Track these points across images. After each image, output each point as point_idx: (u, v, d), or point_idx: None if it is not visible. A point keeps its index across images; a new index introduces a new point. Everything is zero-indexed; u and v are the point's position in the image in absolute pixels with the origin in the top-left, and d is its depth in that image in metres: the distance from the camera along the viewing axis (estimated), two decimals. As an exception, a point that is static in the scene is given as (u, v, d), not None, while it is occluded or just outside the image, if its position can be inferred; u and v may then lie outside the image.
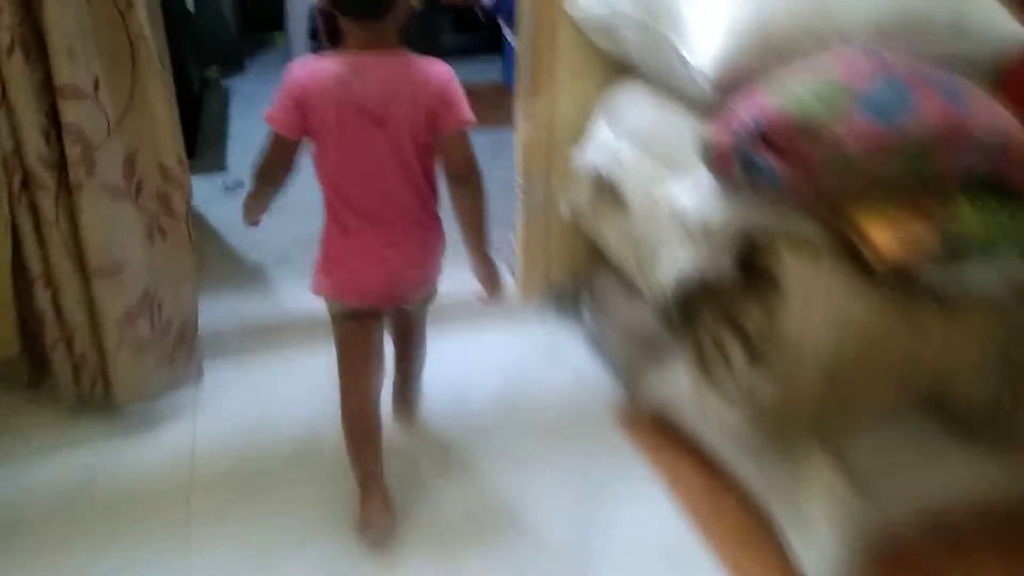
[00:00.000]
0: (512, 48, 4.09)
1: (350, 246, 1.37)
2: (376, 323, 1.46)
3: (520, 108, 2.05)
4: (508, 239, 2.38)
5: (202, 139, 3.47)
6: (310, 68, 1.28)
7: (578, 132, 1.99)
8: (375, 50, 1.26)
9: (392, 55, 1.27)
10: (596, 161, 1.90)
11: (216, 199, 2.92)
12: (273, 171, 1.37)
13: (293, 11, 4.39)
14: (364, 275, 1.39)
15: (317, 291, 1.43)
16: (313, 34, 4.62)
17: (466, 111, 1.30)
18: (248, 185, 1.45)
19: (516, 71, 2.04)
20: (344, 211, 1.35)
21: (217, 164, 3.24)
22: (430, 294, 1.54)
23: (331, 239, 1.39)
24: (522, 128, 2.05)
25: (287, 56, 4.67)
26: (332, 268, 1.40)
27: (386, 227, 1.35)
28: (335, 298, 1.42)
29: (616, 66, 1.91)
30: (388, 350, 1.60)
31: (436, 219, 1.42)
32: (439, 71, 1.29)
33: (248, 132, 3.68)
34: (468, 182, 1.35)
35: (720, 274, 1.43)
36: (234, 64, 4.73)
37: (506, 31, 4.08)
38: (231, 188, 2.98)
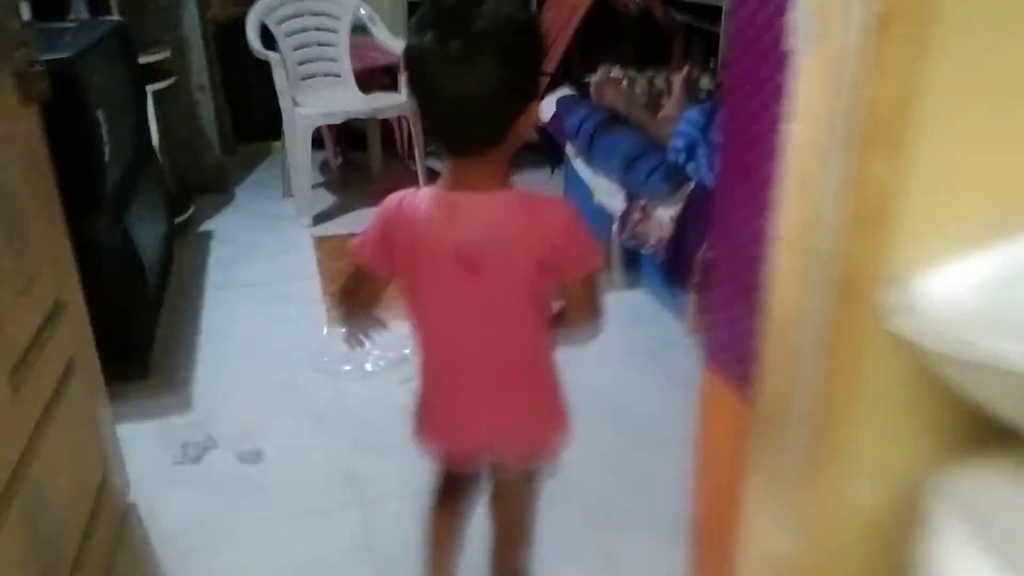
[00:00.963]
0: (574, 169, 3.21)
1: (440, 400, 1.23)
2: (465, 493, 1.33)
3: (770, 495, 0.97)
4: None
5: (159, 347, 2.39)
6: (402, 199, 1.11)
7: (884, 539, 0.93)
8: (476, 187, 1.05)
9: (497, 193, 1.06)
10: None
11: (167, 478, 1.85)
12: (355, 303, 1.21)
13: (290, 118, 3.34)
14: (452, 435, 1.24)
15: (417, 440, 1.26)
16: (318, 143, 3.62)
17: (591, 253, 1.10)
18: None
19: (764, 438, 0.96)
20: (434, 361, 1.20)
21: (178, 398, 2.16)
22: (537, 466, 1.28)
23: (423, 388, 1.23)
24: (768, 532, 0.98)
25: (285, 175, 3.63)
26: (425, 420, 1.25)
27: (480, 383, 1.18)
28: (429, 456, 1.28)
29: (980, 420, 0.85)
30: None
31: (545, 376, 1.21)
32: (556, 210, 1.07)
33: (232, 318, 2.61)
34: (589, 327, 1.15)
35: None
36: (219, 190, 3.71)
37: (570, 155, 3.08)
38: (194, 458, 1.90)
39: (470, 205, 1.05)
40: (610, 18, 3.90)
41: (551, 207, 1.07)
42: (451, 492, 1.33)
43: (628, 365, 2.32)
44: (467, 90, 0.93)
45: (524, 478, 1.29)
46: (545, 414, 1.22)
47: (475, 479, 1.32)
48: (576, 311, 1.13)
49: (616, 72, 3.21)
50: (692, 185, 2.35)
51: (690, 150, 2.48)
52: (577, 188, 3.01)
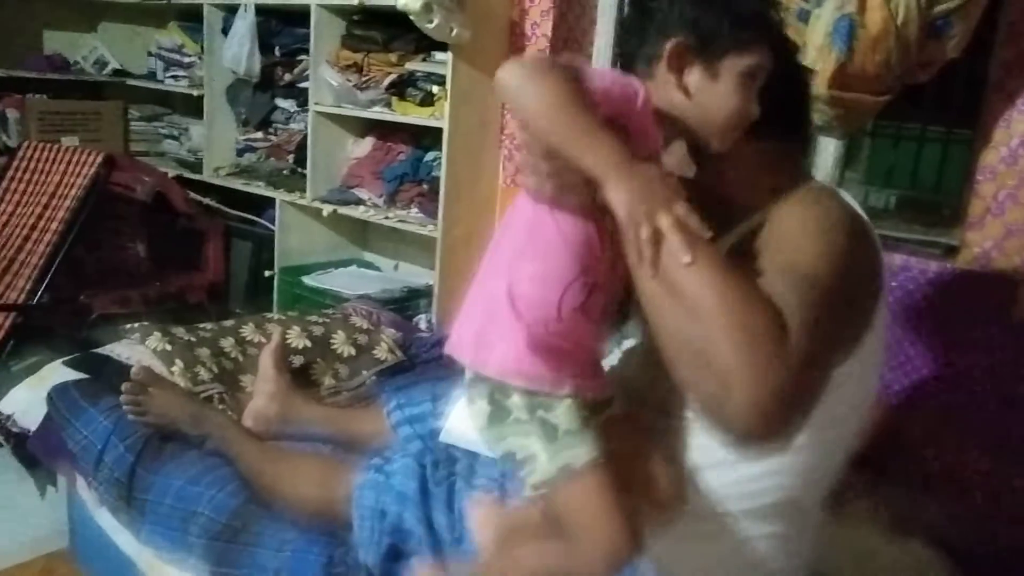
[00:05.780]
0: (92, 516, 1.78)
1: None
2: None
3: None
4: None
5: None
6: None
7: None
8: None
9: None
10: None
11: None
12: None
13: None
14: None
15: None
16: None
17: None
18: None
19: None
20: None
21: None
22: None
23: None
24: None
25: None
26: None
27: None
28: None
29: None
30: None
31: None
32: None
33: None
34: None
35: None
36: None
37: (83, 492, 1.89)
38: None
39: None
40: (112, 211, 2.91)
41: None
42: None
43: None
44: None
45: None
46: None
47: None
48: None
49: (155, 340, 2.05)
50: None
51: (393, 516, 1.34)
52: (96, 551, 1.86)
